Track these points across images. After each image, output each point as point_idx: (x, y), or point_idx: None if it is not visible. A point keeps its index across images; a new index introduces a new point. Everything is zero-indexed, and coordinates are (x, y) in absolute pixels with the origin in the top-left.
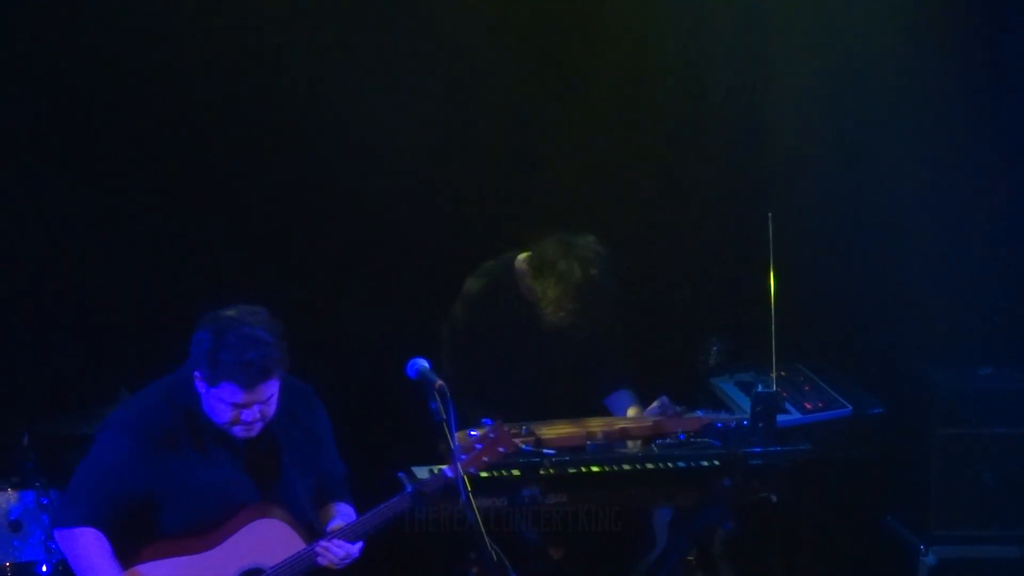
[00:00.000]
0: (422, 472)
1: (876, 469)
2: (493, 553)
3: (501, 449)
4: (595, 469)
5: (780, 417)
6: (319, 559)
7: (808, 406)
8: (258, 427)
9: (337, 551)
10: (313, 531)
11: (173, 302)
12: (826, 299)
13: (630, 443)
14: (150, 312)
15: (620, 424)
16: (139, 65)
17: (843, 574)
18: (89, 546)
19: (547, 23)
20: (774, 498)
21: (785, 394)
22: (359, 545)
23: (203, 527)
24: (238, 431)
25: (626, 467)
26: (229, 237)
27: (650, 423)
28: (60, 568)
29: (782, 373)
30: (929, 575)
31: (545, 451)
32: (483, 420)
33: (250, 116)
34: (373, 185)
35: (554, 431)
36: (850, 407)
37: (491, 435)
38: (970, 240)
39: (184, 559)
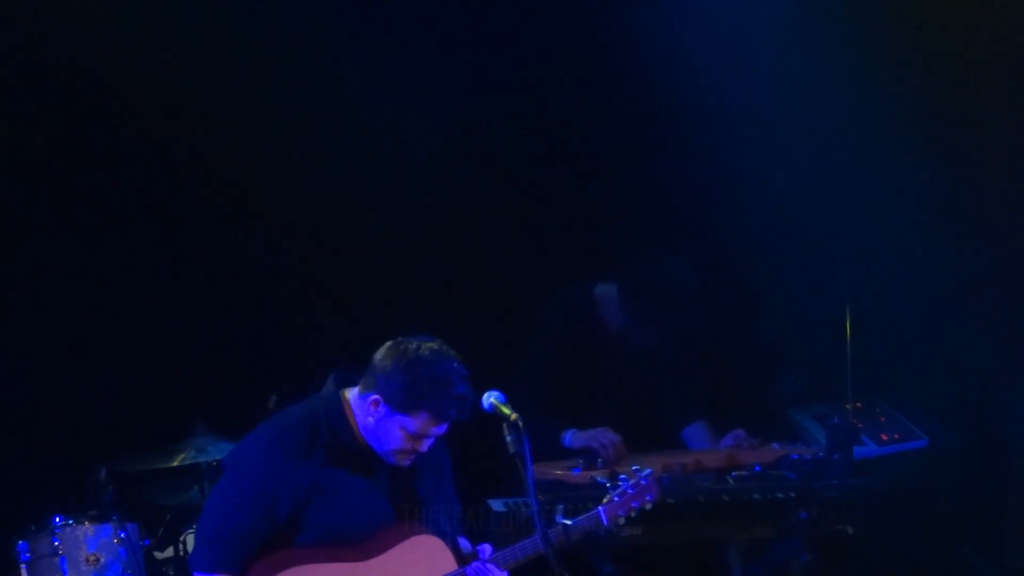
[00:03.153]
0: (498, 505)
1: (952, 500)
2: None
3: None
4: (671, 502)
5: (856, 449)
6: None
7: (884, 438)
8: (412, 459)
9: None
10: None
11: (246, 341)
12: (901, 331)
13: None
14: (226, 349)
15: (695, 456)
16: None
17: None
18: None
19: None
20: (850, 530)
21: (861, 426)
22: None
23: (339, 542)
24: (399, 459)
25: (702, 500)
26: (292, 281)
27: (725, 455)
28: None
29: (858, 405)
30: None
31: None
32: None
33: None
34: (443, 221)
35: (629, 464)
36: (926, 438)
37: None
38: None
39: (339, 566)
